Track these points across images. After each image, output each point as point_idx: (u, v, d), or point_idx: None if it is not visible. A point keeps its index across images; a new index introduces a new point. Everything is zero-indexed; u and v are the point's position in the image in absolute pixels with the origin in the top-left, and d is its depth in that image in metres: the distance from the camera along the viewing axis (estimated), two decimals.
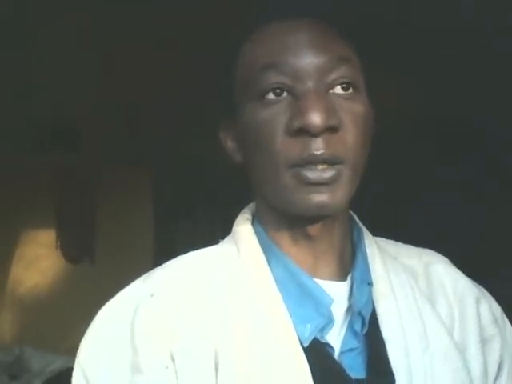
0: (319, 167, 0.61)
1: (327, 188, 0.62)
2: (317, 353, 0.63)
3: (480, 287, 0.77)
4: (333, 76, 0.63)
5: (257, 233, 0.70)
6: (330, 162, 0.62)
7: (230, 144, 0.72)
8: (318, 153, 0.61)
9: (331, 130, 0.62)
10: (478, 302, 0.73)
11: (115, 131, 2.71)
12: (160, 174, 3.09)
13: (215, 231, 3.04)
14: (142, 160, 2.97)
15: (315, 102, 0.61)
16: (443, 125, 2.56)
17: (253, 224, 0.72)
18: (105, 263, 3.06)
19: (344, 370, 0.63)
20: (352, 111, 0.64)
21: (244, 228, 0.71)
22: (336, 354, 0.65)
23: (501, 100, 2.24)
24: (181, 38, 1.97)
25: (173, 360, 0.61)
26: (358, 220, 0.74)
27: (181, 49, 2.02)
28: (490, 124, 2.55)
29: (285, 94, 0.63)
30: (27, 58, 2.14)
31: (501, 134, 2.54)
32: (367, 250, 0.71)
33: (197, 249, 0.73)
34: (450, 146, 2.62)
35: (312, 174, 0.62)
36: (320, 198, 0.62)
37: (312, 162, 0.61)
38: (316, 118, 0.60)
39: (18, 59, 2.13)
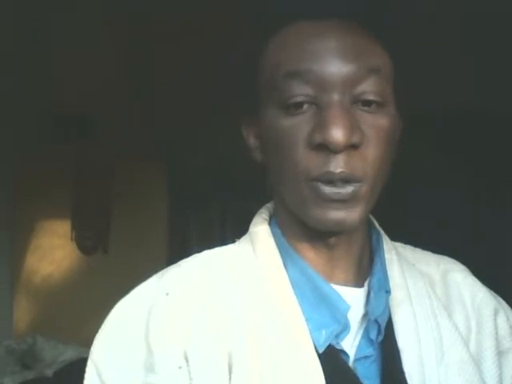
0: (338, 183, 0.60)
1: (344, 205, 0.61)
2: (331, 359, 0.62)
3: (498, 298, 0.75)
4: (360, 88, 0.60)
5: (274, 234, 0.69)
6: (349, 180, 0.60)
7: (252, 141, 0.71)
8: (337, 171, 0.59)
9: (353, 146, 0.60)
10: (495, 313, 0.72)
11: (132, 124, 2.72)
12: (175, 167, 3.10)
13: (228, 225, 3.05)
14: (158, 153, 2.98)
15: (338, 118, 0.58)
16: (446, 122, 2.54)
17: (270, 224, 0.71)
18: (118, 255, 3.08)
19: (358, 378, 0.63)
20: (377, 126, 0.61)
21: (261, 228, 0.70)
22: (350, 361, 0.64)
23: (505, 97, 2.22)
24: (199, 30, 1.96)
25: (186, 360, 0.60)
26: (377, 225, 0.73)
27: (200, 40, 2.01)
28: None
29: (308, 104, 0.61)
30: (46, 49, 2.16)
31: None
32: (386, 256, 0.70)
33: (210, 242, 0.72)
34: (453, 144, 2.60)
35: (330, 191, 0.60)
36: (337, 214, 0.61)
37: (330, 179, 0.60)
38: (338, 135, 0.58)
39: (37, 50, 2.15)
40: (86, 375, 0.64)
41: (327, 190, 0.60)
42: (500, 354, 0.70)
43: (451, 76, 2.15)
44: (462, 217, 2.55)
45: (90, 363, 0.64)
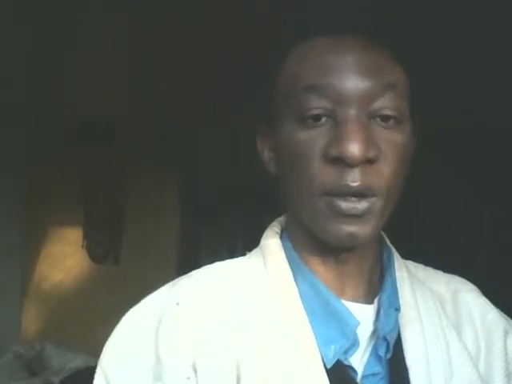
0: (353, 198, 0.60)
1: (359, 220, 0.61)
2: (339, 375, 0.62)
3: (509, 319, 0.75)
4: (377, 104, 0.61)
5: (285, 248, 0.69)
6: (365, 194, 0.60)
7: (266, 153, 0.71)
8: (354, 184, 0.60)
9: (369, 161, 0.60)
10: (505, 334, 0.72)
11: (144, 132, 2.73)
12: (187, 176, 3.11)
13: (240, 237, 3.05)
14: (170, 162, 2.98)
15: (355, 132, 0.59)
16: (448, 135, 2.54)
17: (281, 238, 0.71)
18: (129, 265, 3.08)
19: None
20: (392, 142, 0.62)
21: (272, 242, 0.70)
22: (358, 378, 0.64)
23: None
24: (212, 38, 1.97)
25: (195, 371, 0.61)
26: (388, 242, 0.73)
27: (212, 50, 2.02)
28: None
29: (325, 118, 0.62)
30: (65, 56, 2.18)
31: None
32: (396, 274, 0.70)
33: (221, 254, 0.72)
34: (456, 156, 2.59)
35: (345, 205, 0.60)
36: (351, 229, 0.61)
37: (346, 192, 0.60)
38: (355, 149, 0.58)
39: (56, 57, 2.17)
40: (95, 381, 0.64)
41: (343, 205, 0.60)
42: (509, 375, 0.69)
43: (453, 89, 2.14)
44: (465, 223, 2.53)
45: (99, 370, 0.64)
